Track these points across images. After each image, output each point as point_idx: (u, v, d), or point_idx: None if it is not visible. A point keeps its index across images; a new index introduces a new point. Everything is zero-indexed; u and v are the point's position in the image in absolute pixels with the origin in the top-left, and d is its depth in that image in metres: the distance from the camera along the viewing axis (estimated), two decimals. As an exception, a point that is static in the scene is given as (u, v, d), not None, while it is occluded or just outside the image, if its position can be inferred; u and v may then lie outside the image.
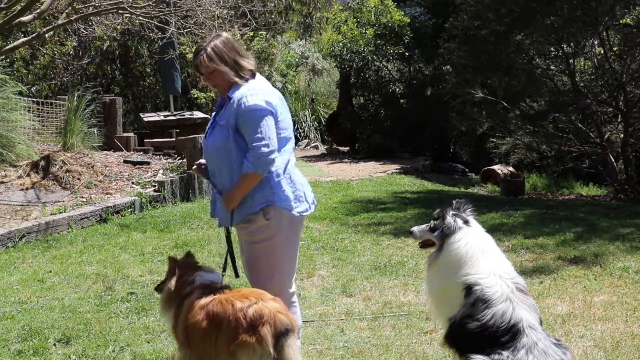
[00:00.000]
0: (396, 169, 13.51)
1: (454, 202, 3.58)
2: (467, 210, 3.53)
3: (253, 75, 3.76)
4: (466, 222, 3.46)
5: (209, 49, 3.70)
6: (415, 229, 3.70)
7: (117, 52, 15.07)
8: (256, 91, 3.66)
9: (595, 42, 11.64)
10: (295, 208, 3.70)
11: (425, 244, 3.66)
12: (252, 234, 3.72)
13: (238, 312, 3.12)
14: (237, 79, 3.71)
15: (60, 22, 9.31)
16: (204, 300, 3.36)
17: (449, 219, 3.45)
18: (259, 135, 3.56)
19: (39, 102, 11.15)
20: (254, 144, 3.57)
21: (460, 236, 3.39)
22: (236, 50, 3.74)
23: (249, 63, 3.74)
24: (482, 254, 3.34)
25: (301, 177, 3.86)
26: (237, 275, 3.87)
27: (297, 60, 19.55)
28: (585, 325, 4.64)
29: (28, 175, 8.96)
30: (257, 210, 3.65)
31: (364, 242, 7.19)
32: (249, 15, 11.40)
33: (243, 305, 3.14)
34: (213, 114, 3.96)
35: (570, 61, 11.37)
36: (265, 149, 3.55)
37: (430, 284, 3.53)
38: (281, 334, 3.07)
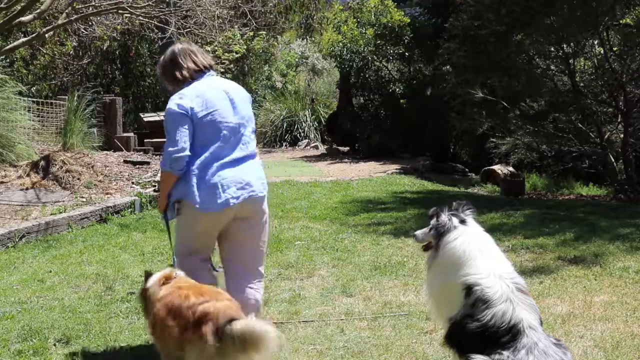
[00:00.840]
0: (396, 169, 13.52)
1: (454, 203, 3.55)
2: (466, 211, 3.51)
3: (189, 81, 4.06)
4: (463, 221, 3.43)
5: (160, 62, 4.22)
6: (418, 232, 3.67)
7: (117, 52, 15.08)
8: (176, 96, 3.97)
9: (595, 42, 11.62)
10: (201, 203, 3.89)
11: (427, 247, 3.62)
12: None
13: (190, 307, 3.37)
14: (174, 90, 4.11)
15: (60, 22, 9.31)
16: (161, 293, 3.65)
17: (444, 217, 3.43)
18: (168, 136, 3.90)
19: (39, 102, 11.16)
20: (165, 144, 3.92)
21: (455, 235, 3.36)
22: (176, 63, 4.08)
23: (183, 73, 4.06)
24: (480, 253, 3.31)
25: (230, 177, 3.95)
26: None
27: (297, 60, 19.58)
28: (585, 325, 4.64)
29: (28, 175, 8.95)
30: (174, 200, 3.99)
31: (364, 242, 7.19)
32: (249, 15, 11.42)
33: (196, 302, 3.38)
34: None
35: (570, 61, 11.35)
36: (170, 148, 3.87)
37: (430, 285, 3.52)
38: (224, 324, 3.24)
